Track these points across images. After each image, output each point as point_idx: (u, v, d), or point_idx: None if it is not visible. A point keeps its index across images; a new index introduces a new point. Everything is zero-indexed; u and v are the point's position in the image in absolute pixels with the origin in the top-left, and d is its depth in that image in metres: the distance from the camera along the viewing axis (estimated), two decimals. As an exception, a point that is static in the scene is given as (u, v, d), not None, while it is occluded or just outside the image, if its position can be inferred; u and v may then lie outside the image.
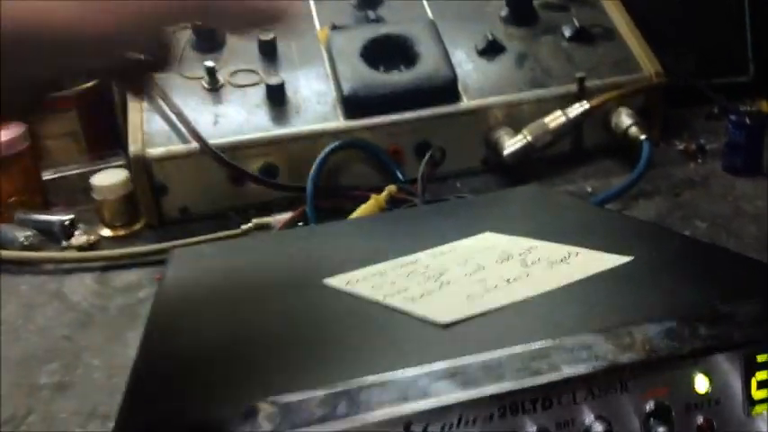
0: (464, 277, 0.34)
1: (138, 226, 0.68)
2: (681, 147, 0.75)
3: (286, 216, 0.63)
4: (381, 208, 0.62)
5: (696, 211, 0.64)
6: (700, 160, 0.73)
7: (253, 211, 0.68)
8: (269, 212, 0.65)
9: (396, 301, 0.32)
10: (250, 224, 0.63)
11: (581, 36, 0.76)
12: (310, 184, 0.63)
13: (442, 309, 0.30)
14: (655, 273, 0.32)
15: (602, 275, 0.32)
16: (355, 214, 0.61)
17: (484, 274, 0.34)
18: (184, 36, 0.73)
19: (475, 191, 0.70)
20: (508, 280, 0.33)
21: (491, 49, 0.75)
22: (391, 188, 0.63)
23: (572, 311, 0.29)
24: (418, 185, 0.63)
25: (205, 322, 0.34)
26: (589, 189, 0.69)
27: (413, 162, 0.69)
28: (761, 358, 0.25)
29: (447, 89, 0.70)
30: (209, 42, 0.73)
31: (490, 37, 0.75)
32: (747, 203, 0.65)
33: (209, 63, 0.70)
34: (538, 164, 0.71)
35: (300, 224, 0.63)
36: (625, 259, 0.33)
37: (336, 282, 0.36)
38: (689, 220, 0.63)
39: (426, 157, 0.66)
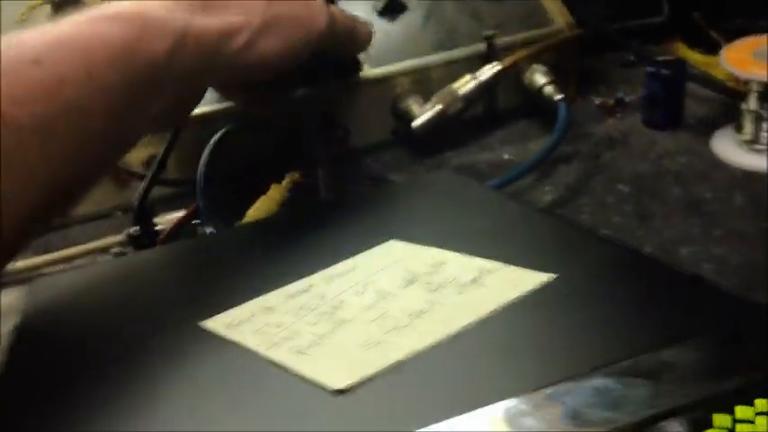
0: (362, 312, 0.29)
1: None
2: (598, 102, 0.71)
3: (177, 215, 0.56)
4: (283, 198, 0.56)
5: (618, 173, 0.61)
6: (619, 115, 0.69)
7: (143, 208, 0.61)
8: (161, 209, 0.58)
9: (281, 355, 0.27)
10: (135, 229, 0.56)
11: (487, -13, 0.71)
12: (201, 177, 0.56)
13: (335, 366, 0.25)
14: (578, 298, 0.27)
15: (518, 305, 0.27)
16: (254, 207, 0.55)
17: (385, 306, 0.29)
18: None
19: (386, 166, 0.65)
20: (412, 314, 0.28)
21: (392, 9, 0.69)
22: (293, 176, 0.57)
23: (483, 366, 0.24)
24: (321, 174, 0.57)
25: (60, 379, 0.28)
26: (507, 156, 0.64)
27: (317, 141, 0.63)
28: (711, 416, 0.21)
29: (346, 59, 0.64)
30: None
31: (389, -6, 0.69)
32: (670, 161, 0.61)
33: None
34: (451, 131, 0.66)
35: (195, 222, 0.56)
36: (545, 277, 0.29)
37: (215, 325, 0.30)
38: (611, 184, 0.59)
39: (327, 140, 0.60)
